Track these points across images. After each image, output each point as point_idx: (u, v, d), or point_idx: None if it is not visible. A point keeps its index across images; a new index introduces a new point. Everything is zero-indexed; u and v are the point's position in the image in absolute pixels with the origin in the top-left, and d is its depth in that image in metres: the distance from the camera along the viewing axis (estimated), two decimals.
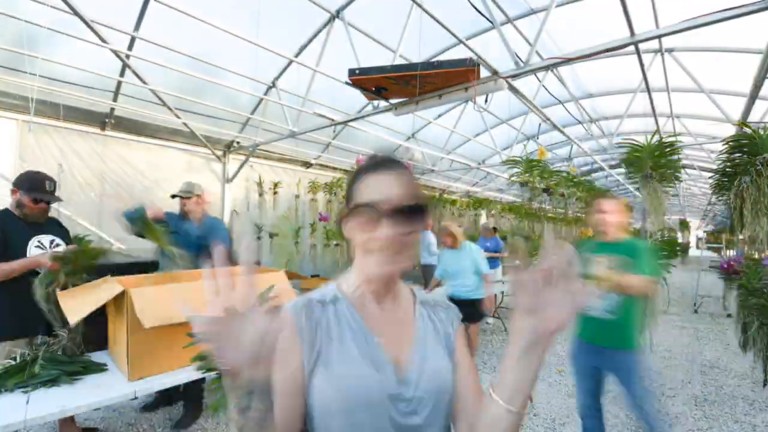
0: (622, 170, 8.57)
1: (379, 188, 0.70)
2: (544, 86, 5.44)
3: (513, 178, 3.47)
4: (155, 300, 1.88)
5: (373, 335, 0.72)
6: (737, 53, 4.61)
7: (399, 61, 3.57)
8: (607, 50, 2.56)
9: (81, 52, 3.57)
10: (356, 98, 4.89)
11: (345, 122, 4.68)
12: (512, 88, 3.10)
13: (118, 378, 1.91)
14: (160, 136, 5.17)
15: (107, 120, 4.62)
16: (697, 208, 17.39)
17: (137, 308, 1.79)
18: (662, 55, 4.36)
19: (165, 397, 2.95)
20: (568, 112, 6.69)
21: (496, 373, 3.22)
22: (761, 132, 2.45)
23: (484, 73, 2.95)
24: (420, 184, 0.75)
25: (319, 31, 4.35)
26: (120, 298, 1.90)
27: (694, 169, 8.80)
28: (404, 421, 0.68)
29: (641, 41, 2.50)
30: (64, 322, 1.95)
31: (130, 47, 3.80)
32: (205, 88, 4.53)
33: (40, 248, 2.33)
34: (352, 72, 3.14)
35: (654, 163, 2.87)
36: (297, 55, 4.50)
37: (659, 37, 2.49)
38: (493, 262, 4.49)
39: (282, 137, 5.32)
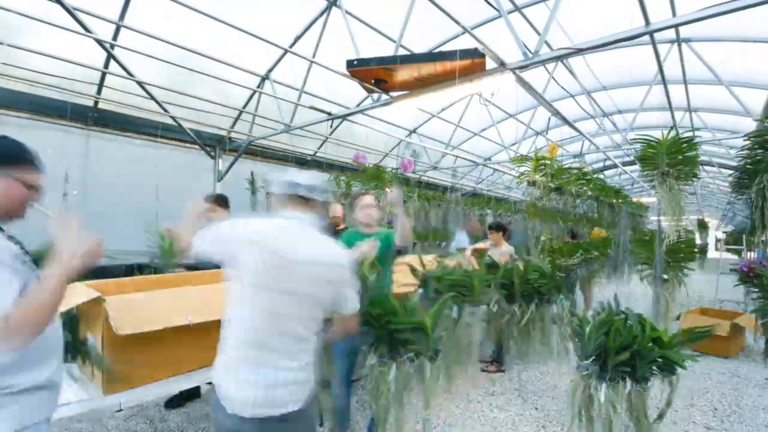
0: (637, 167, 8.58)
1: None
2: (554, 78, 5.45)
3: (523, 177, 3.47)
4: (135, 306, 1.82)
5: None
6: (759, 43, 4.62)
7: (400, 52, 3.57)
8: (621, 40, 2.57)
9: (62, 42, 3.57)
10: (355, 91, 4.89)
11: (343, 116, 4.68)
12: (520, 81, 3.10)
13: (90, 390, 1.79)
14: (146, 132, 5.17)
15: (91, 114, 4.62)
16: (716, 207, 17.39)
17: (111, 315, 1.70)
18: (679, 45, 4.36)
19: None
20: (580, 106, 6.70)
21: None
22: None
23: (490, 64, 2.96)
24: None
25: (316, 19, 4.36)
26: (95, 305, 1.78)
27: (713, 166, 8.80)
28: None
29: (657, 30, 2.51)
30: None
31: (115, 37, 3.80)
32: (195, 81, 4.54)
33: None
34: (350, 63, 3.14)
35: (671, 159, 2.87)
36: (292, 46, 4.51)
37: (676, 26, 2.50)
38: None
39: (276, 132, 5.32)
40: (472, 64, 2.93)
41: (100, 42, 3.58)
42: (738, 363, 4.49)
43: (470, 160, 7.95)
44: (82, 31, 3.22)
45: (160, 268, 2.80)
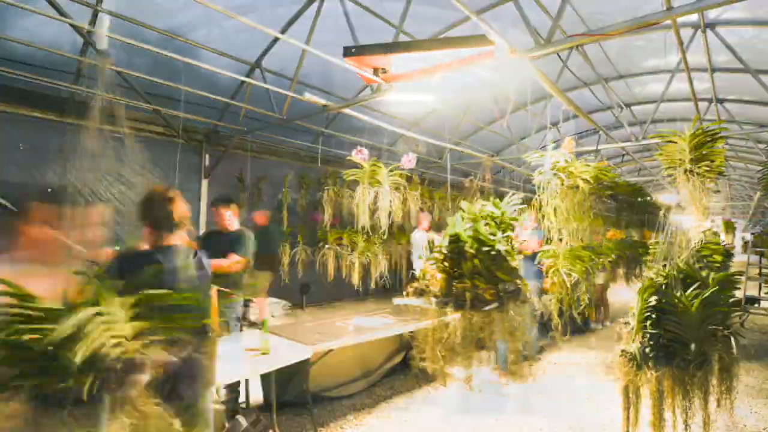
0: (657, 162, 8.57)
1: None
2: (567, 67, 5.44)
3: (539, 179, 3.45)
4: None
5: None
6: None
7: (402, 39, 3.57)
8: (641, 26, 2.56)
9: (36, 28, 3.57)
10: (352, 81, 4.89)
11: (339, 108, 4.68)
12: (532, 69, 3.09)
13: None
14: (127, 125, 5.16)
15: (66, 106, 4.61)
16: (742, 206, 17.39)
17: None
18: (703, 30, 4.36)
19: None
20: (595, 97, 6.70)
21: None
22: None
23: (499, 52, 2.95)
24: None
25: (310, 3, 4.34)
26: None
27: (740, 161, 8.80)
28: None
29: (679, 15, 2.50)
30: None
31: (92, 22, 3.80)
32: (180, 70, 4.52)
33: None
34: (347, 50, 3.13)
35: (693, 155, 2.86)
36: (284, 31, 4.50)
37: (700, 10, 2.49)
38: None
39: (267, 125, 5.32)
40: (479, 50, 2.92)
41: (76, 27, 3.57)
42: (767, 373, 4.48)
43: (477, 155, 7.92)
44: (57, 15, 3.22)
45: None
